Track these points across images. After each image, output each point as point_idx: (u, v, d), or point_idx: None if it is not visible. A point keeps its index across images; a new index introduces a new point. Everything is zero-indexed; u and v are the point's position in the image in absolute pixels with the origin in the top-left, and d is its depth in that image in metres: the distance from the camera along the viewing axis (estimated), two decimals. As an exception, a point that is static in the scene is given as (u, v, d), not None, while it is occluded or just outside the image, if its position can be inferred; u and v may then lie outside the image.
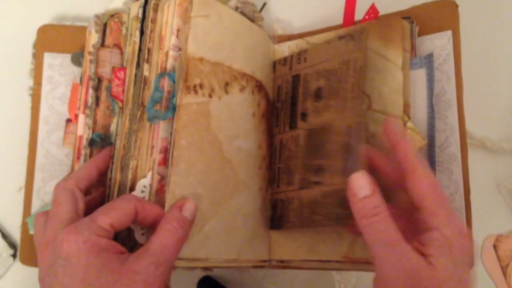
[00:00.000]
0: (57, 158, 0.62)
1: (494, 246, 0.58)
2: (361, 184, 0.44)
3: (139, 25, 0.53)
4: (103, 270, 0.42)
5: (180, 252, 0.46)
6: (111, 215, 0.44)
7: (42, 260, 0.45)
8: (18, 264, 0.63)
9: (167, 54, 0.50)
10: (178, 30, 0.51)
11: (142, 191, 0.49)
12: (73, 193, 0.48)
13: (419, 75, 0.53)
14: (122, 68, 0.55)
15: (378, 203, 0.43)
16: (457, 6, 0.55)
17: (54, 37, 0.64)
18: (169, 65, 0.50)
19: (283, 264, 0.57)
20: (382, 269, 0.42)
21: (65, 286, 0.41)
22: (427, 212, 0.43)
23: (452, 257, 0.41)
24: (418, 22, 0.56)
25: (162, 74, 0.50)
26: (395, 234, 0.42)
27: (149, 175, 0.49)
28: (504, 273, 0.57)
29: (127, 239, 0.49)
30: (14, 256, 0.64)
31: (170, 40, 0.50)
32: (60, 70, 0.63)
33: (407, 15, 0.55)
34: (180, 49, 0.51)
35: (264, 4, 0.67)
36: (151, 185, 0.49)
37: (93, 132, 0.56)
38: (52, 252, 0.43)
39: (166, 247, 0.44)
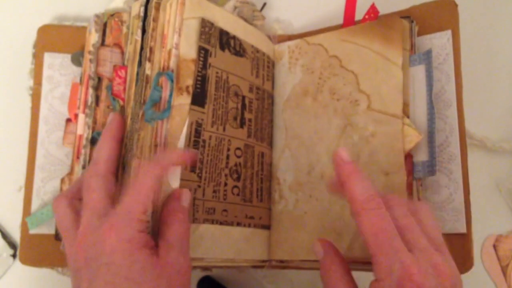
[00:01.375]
0: (57, 158, 0.62)
1: (494, 246, 0.58)
2: None
3: (140, 23, 0.53)
4: (146, 266, 0.42)
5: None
6: (141, 200, 0.44)
7: (79, 251, 0.45)
8: (18, 264, 0.62)
9: (169, 52, 0.50)
10: (180, 29, 0.51)
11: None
12: (106, 178, 0.48)
13: (418, 72, 0.53)
14: (123, 66, 0.55)
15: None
16: (456, 5, 0.55)
17: (54, 37, 0.64)
18: (171, 64, 0.50)
19: (283, 264, 0.57)
20: None
21: (108, 283, 0.42)
22: (372, 260, 0.41)
23: None
24: (418, 22, 0.56)
25: (161, 73, 0.50)
26: None
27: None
28: (504, 273, 0.57)
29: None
30: (14, 256, 0.64)
31: (173, 39, 0.50)
32: (60, 70, 0.63)
33: (406, 15, 0.56)
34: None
35: (264, 4, 0.67)
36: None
37: (93, 131, 0.56)
38: (92, 246, 0.43)
39: (184, 237, 0.46)
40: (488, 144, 0.59)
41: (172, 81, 0.50)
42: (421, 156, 0.52)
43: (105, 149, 0.50)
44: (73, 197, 0.49)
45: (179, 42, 0.50)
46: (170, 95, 0.49)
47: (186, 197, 0.48)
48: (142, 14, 0.53)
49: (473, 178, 0.53)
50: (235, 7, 0.59)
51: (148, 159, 0.49)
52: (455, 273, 0.41)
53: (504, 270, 0.58)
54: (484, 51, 0.62)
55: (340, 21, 0.62)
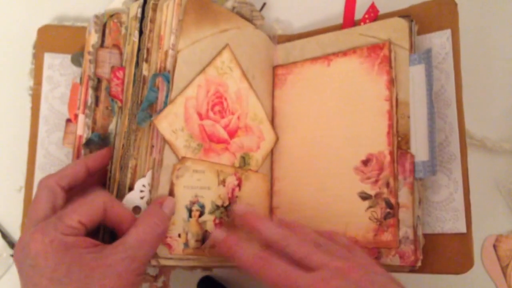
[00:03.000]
0: (57, 158, 0.62)
1: (494, 246, 0.58)
2: None
3: (138, 24, 0.53)
4: (73, 267, 0.42)
5: (155, 249, 0.46)
6: (79, 212, 0.44)
7: (15, 257, 0.45)
8: (18, 264, 0.63)
9: (166, 53, 0.50)
10: (177, 30, 0.51)
11: (141, 190, 0.49)
12: (53, 190, 0.48)
13: (418, 71, 0.53)
14: (121, 68, 0.55)
15: None
16: (456, 4, 0.55)
17: (54, 38, 0.65)
18: (168, 65, 0.50)
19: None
20: None
21: (35, 285, 0.42)
22: None
23: None
24: (417, 21, 0.55)
25: (157, 74, 0.50)
26: None
27: (148, 174, 0.49)
28: (504, 273, 0.57)
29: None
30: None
31: (170, 40, 0.50)
32: (60, 70, 0.64)
33: (406, 14, 0.55)
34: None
35: (264, 4, 0.67)
36: (150, 185, 0.49)
37: (92, 132, 0.56)
38: (21, 250, 0.44)
39: (145, 242, 0.45)
40: (488, 144, 0.59)
41: (168, 82, 0.50)
42: (422, 156, 0.52)
43: (69, 168, 0.50)
44: None
45: (176, 42, 0.50)
46: (167, 96, 0.49)
47: (168, 204, 0.48)
48: (139, 15, 0.53)
49: (473, 178, 0.53)
50: (233, 7, 0.59)
51: (145, 159, 0.49)
52: (362, 263, 0.46)
53: (504, 270, 0.57)
54: (484, 50, 0.62)
55: (340, 20, 0.62)
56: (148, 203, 0.48)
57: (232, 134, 0.55)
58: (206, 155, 0.51)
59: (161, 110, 0.49)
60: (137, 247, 0.44)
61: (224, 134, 0.54)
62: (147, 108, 0.50)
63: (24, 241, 0.43)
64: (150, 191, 0.49)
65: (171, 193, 0.49)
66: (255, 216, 0.51)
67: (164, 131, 0.49)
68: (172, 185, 0.49)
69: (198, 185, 0.51)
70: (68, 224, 0.43)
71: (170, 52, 0.50)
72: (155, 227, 0.45)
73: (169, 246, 0.48)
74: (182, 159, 0.49)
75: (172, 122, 0.49)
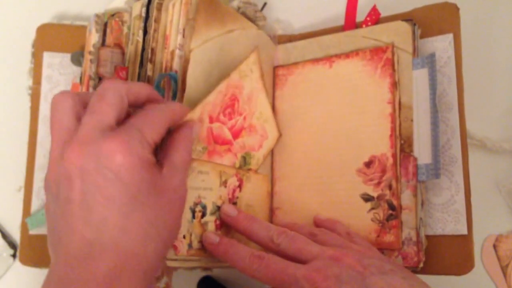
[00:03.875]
0: (57, 158, 0.61)
1: (494, 246, 0.58)
2: None
3: (142, 24, 0.53)
4: (151, 187, 0.41)
5: None
6: (158, 131, 0.42)
7: (74, 158, 0.40)
8: (18, 264, 0.62)
9: (172, 53, 0.50)
10: (184, 30, 0.51)
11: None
12: (123, 99, 0.42)
13: (421, 75, 0.54)
14: (124, 67, 0.55)
15: None
16: (458, 9, 0.55)
17: (53, 36, 0.64)
18: (175, 64, 0.50)
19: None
20: None
21: (110, 199, 0.39)
22: None
23: None
24: (419, 25, 0.56)
25: (163, 74, 0.50)
26: None
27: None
28: (504, 273, 0.58)
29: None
30: (14, 256, 0.64)
31: (176, 40, 0.50)
32: (59, 70, 0.63)
33: (408, 17, 0.56)
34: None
35: (265, 4, 0.67)
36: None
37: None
38: (93, 156, 0.39)
39: (187, 162, 0.45)
40: (488, 144, 0.59)
41: (175, 81, 0.49)
42: (425, 159, 0.52)
43: (136, 86, 0.45)
44: (79, 101, 0.43)
45: (184, 42, 0.50)
46: (174, 96, 0.49)
47: (196, 129, 0.47)
48: (143, 14, 0.53)
49: (473, 178, 0.53)
50: (239, 8, 0.59)
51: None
52: (357, 249, 0.47)
53: (504, 270, 0.58)
54: (484, 53, 0.63)
55: (341, 22, 0.62)
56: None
57: (236, 134, 0.55)
58: (209, 157, 0.51)
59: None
60: (184, 169, 0.44)
61: (229, 135, 0.54)
62: None
63: (101, 148, 0.39)
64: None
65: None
66: (245, 217, 0.52)
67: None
68: None
69: (202, 186, 0.51)
70: (150, 142, 0.41)
71: (177, 52, 0.50)
72: (189, 150, 0.46)
73: (175, 248, 0.48)
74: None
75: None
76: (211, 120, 0.51)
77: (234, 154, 0.54)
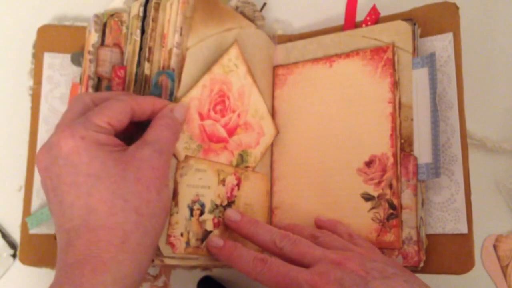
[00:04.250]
0: (57, 158, 0.61)
1: (494, 246, 0.58)
2: None
3: (139, 23, 0.53)
4: (108, 161, 0.42)
5: (173, 148, 0.47)
6: (107, 114, 0.43)
7: (39, 163, 0.43)
8: (18, 264, 0.62)
9: (170, 52, 0.50)
10: (181, 28, 0.51)
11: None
12: (87, 105, 0.46)
13: (421, 75, 0.54)
14: (123, 67, 0.55)
15: None
16: (457, 8, 0.55)
17: (54, 37, 0.64)
18: (172, 63, 0.50)
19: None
20: None
21: (71, 185, 0.41)
22: None
23: None
24: (419, 24, 0.56)
25: (161, 72, 0.50)
26: None
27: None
28: (504, 273, 0.58)
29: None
30: (14, 256, 0.64)
31: (174, 38, 0.50)
32: (60, 70, 0.63)
33: (408, 17, 0.56)
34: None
35: (264, 4, 0.67)
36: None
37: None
38: (48, 152, 0.42)
39: (164, 137, 0.45)
40: (488, 144, 0.59)
41: (173, 80, 0.50)
42: (425, 158, 0.52)
43: (114, 106, 0.45)
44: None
45: (181, 41, 0.50)
46: (171, 94, 0.49)
47: (178, 109, 0.48)
48: (141, 14, 0.53)
49: (473, 178, 0.53)
50: (237, 7, 0.59)
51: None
52: (360, 252, 0.47)
53: (504, 270, 0.58)
54: (484, 52, 0.63)
55: (341, 22, 0.62)
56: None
57: (231, 132, 0.55)
58: (205, 155, 0.51)
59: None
60: (159, 143, 0.44)
61: (223, 133, 0.54)
62: None
63: (52, 142, 0.42)
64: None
65: (175, 191, 0.48)
66: (248, 221, 0.52)
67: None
68: (176, 183, 0.49)
69: (200, 184, 0.51)
70: (98, 124, 0.42)
71: (175, 50, 0.50)
72: (168, 126, 0.46)
73: (172, 245, 0.48)
74: (185, 158, 0.49)
75: None
76: (202, 117, 0.51)
77: (230, 152, 0.54)
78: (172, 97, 0.49)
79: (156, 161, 0.43)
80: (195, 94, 0.51)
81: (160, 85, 0.50)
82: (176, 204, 0.48)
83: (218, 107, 0.53)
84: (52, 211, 0.43)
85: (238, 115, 0.55)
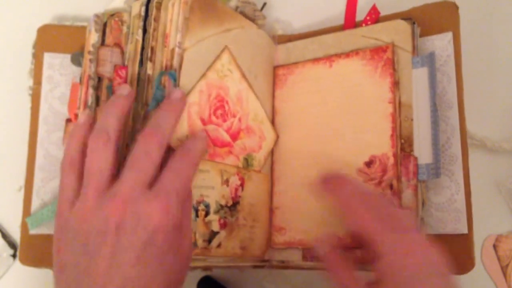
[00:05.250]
0: (57, 158, 0.61)
1: (494, 246, 0.58)
2: None
3: (141, 23, 0.53)
4: (175, 248, 0.41)
5: None
6: (188, 187, 0.43)
7: (113, 211, 0.40)
8: (18, 264, 0.62)
9: (172, 51, 0.50)
10: (183, 28, 0.51)
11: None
12: (162, 153, 0.44)
13: (421, 74, 0.54)
14: (124, 67, 0.55)
15: None
16: (457, 7, 0.55)
17: (54, 37, 0.64)
18: (175, 63, 0.50)
19: (283, 264, 0.57)
20: None
21: (140, 261, 0.39)
22: (368, 244, 0.44)
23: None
24: (419, 23, 0.56)
25: (163, 72, 0.50)
26: None
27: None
28: (504, 273, 0.58)
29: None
30: (14, 256, 0.64)
31: (176, 38, 0.50)
32: (60, 70, 0.63)
33: (407, 16, 0.56)
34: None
35: (264, 4, 0.67)
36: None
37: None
38: (133, 215, 0.39)
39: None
40: (488, 144, 0.59)
41: (175, 80, 0.50)
42: (425, 159, 0.52)
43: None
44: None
45: (182, 41, 0.50)
46: None
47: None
48: (143, 13, 0.53)
49: (473, 178, 0.53)
50: (237, 7, 0.59)
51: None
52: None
53: (504, 270, 0.58)
54: (484, 52, 0.63)
55: (341, 21, 0.62)
56: None
57: (234, 136, 0.55)
58: (211, 160, 0.52)
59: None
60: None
61: (227, 138, 0.54)
62: (155, 107, 0.49)
63: (140, 207, 0.39)
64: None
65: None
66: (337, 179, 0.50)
67: (170, 140, 0.48)
68: None
69: (203, 184, 0.51)
70: (184, 205, 0.42)
71: (177, 50, 0.50)
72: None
73: (180, 247, 0.48)
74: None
75: (176, 130, 0.49)
76: (204, 122, 0.51)
77: (235, 156, 0.54)
78: None
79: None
80: (193, 99, 0.51)
81: (163, 86, 0.50)
82: None
83: (219, 112, 0.53)
84: (93, 264, 0.39)
85: (239, 120, 0.55)
